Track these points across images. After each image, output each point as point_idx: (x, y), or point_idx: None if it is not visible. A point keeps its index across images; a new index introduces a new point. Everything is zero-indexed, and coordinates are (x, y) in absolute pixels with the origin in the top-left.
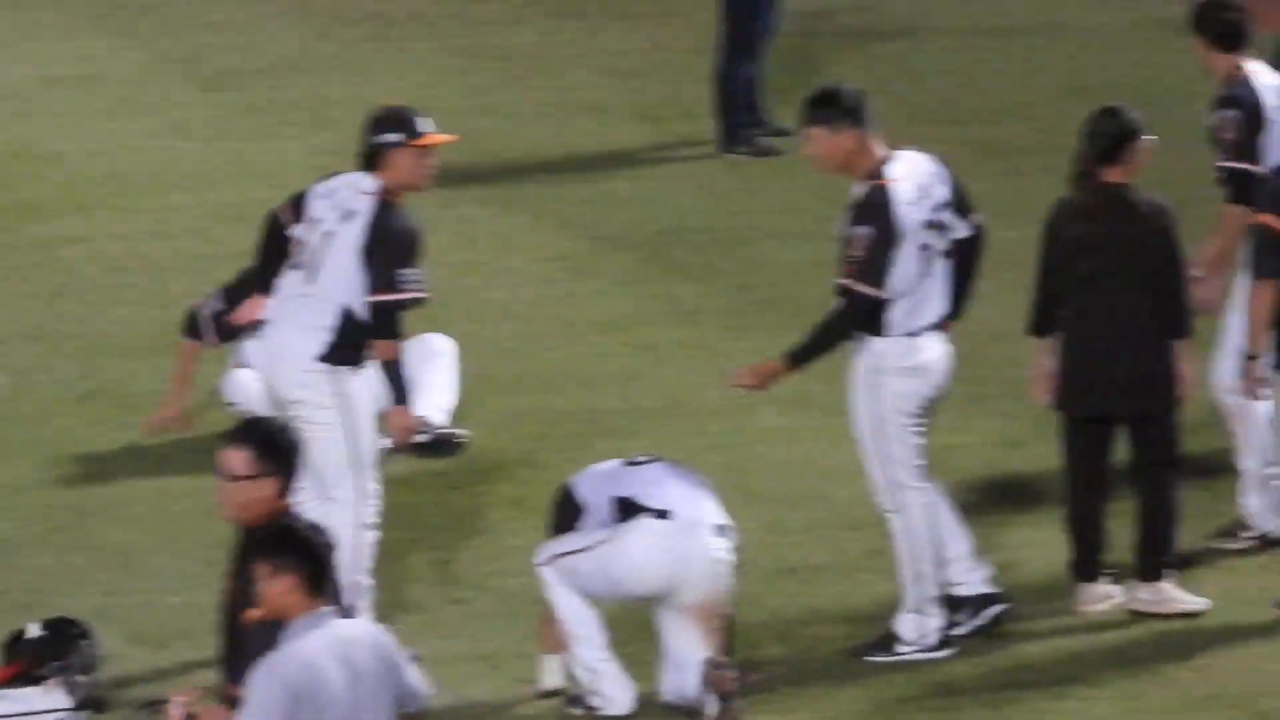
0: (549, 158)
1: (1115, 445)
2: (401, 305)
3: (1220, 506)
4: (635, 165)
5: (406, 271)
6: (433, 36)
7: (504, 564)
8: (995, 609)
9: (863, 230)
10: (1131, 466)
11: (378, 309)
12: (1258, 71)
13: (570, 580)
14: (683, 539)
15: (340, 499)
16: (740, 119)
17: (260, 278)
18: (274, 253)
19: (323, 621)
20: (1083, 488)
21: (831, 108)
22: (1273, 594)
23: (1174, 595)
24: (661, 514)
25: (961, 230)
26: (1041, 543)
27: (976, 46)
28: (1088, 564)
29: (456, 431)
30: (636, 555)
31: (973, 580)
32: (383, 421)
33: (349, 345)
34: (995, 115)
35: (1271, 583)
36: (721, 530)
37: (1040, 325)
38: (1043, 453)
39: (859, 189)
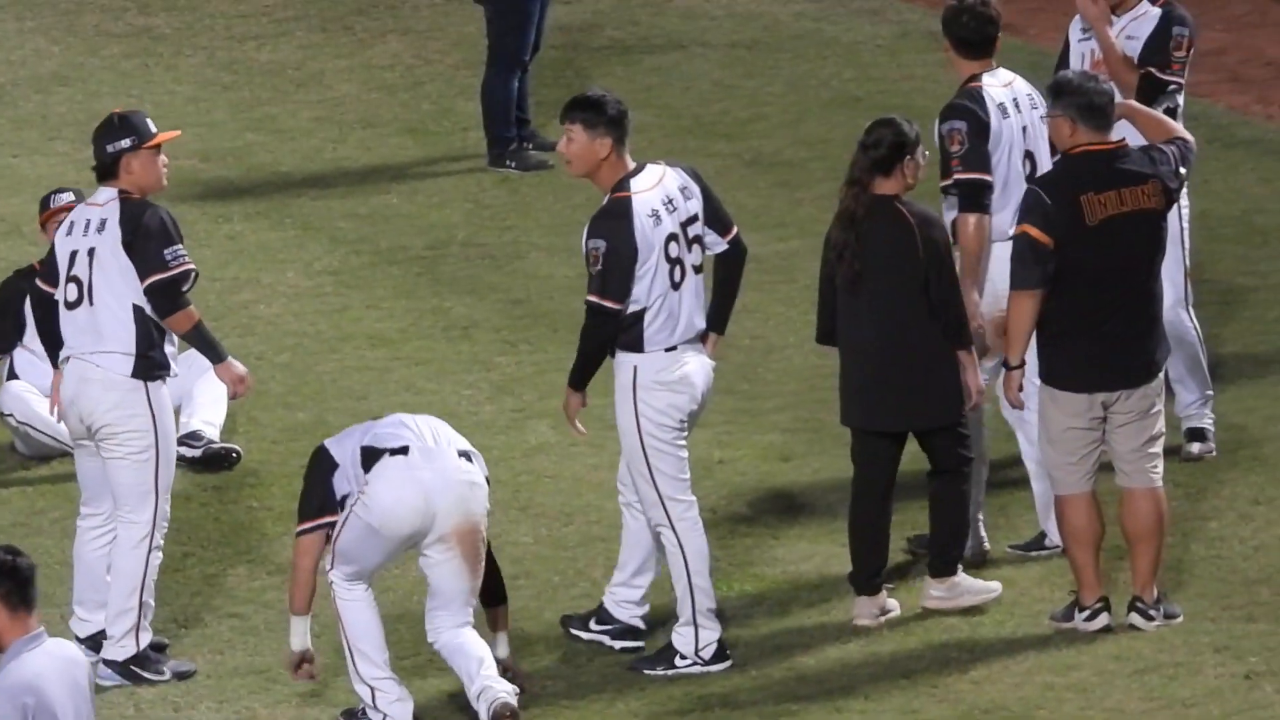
0: (319, 172)
1: (901, 457)
2: (178, 280)
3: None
4: (405, 179)
5: (170, 249)
6: (200, 51)
7: (279, 578)
8: (628, 644)
9: (598, 243)
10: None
11: (156, 290)
12: (993, 83)
13: (350, 570)
14: (424, 468)
15: (139, 521)
16: (509, 133)
17: (50, 350)
18: (51, 321)
19: (39, 640)
20: (869, 500)
21: (593, 111)
22: (1050, 606)
23: (968, 588)
24: (400, 450)
25: (718, 245)
26: (816, 555)
27: (746, 60)
28: (870, 577)
29: (230, 446)
30: (385, 496)
31: (632, 610)
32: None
33: (152, 350)
34: (766, 129)
35: (1049, 595)
36: (465, 455)
37: (827, 333)
38: (816, 466)
39: (604, 200)
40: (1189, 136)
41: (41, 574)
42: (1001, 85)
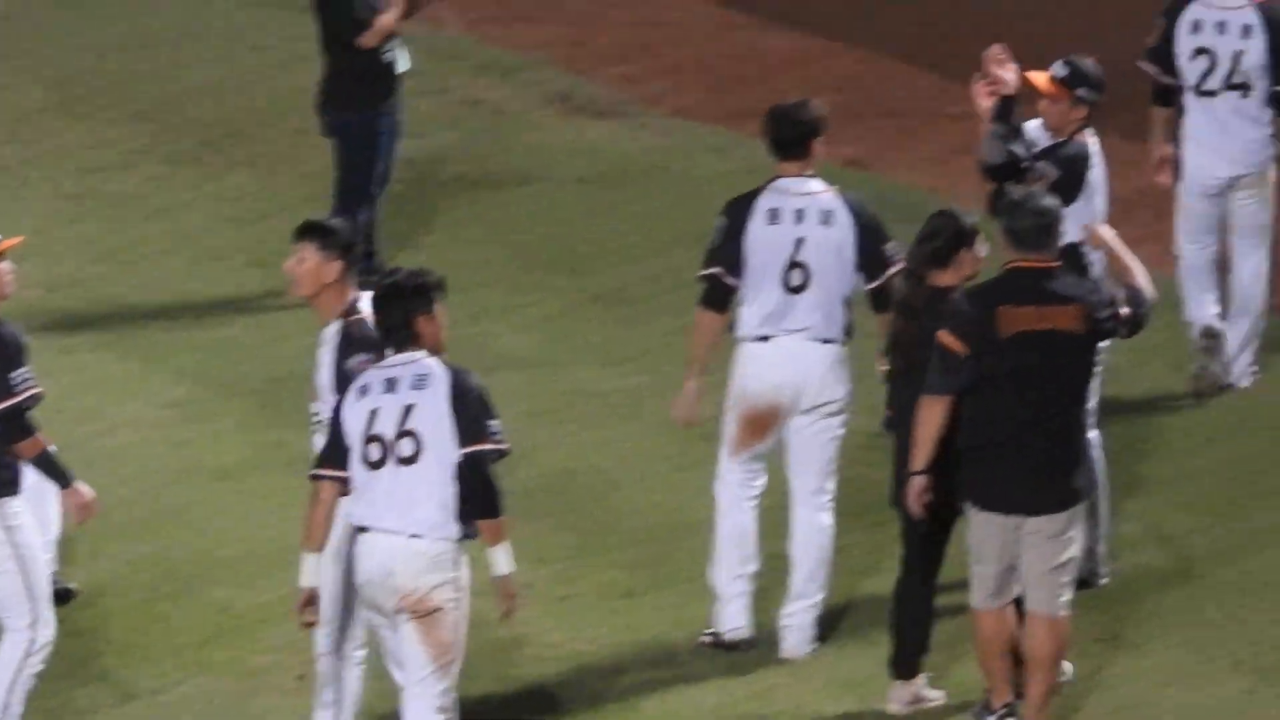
0: (164, 303)
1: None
2: (22, 407)
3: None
4: (250, 311)
5: (16, 374)
6: (46, 182)
7: (118, 712)
8: None
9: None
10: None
11: (3, 417)
12: (785, 187)
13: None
14: (375, 548)
15: (17, 628)
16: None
17: None
18: None
19: None
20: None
21: (326, 235)
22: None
23: (926, 694)
24: (362, 529)
25: None
26: (658, 690)
27: (591, 195)
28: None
29: (67, 586)
30: (358, 573)
31: None
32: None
33: (3, 468)
34: (610, 263)
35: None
36: (416, 536)
37: (891, 421)
38: (658, 603)
39: (335, 326)
40: (1146, 289)
41: None
42: (792, 193)
